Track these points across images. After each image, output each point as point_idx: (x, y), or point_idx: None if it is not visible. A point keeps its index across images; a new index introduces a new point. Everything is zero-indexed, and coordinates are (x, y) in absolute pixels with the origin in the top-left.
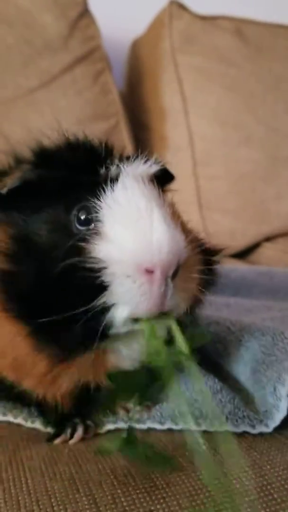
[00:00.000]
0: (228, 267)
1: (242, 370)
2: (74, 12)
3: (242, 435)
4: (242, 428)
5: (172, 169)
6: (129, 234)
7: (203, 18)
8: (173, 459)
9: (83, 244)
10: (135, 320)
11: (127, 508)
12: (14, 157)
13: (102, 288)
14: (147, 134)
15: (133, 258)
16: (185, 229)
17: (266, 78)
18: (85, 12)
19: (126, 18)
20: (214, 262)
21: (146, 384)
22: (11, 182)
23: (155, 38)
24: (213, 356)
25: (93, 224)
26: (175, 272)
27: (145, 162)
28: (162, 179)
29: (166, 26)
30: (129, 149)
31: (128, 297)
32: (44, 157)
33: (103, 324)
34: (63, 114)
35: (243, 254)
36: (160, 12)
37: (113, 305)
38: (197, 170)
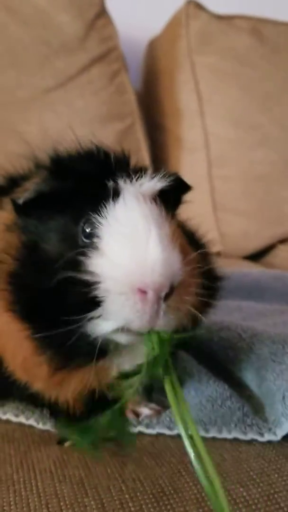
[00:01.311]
0: (241, 270)
1: (252, 377)
2: (91, 12)
3: (251, 442)
4: (250, 435)
5: (187, 170)
6: (124, 253)
7: (220, 17)
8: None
9: (82, 257)
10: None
11: None
12: (34, 162)
13: (96, 301)
14: (163, 134)
15: (127, 277)
16: (184, 250)
17: (283, 79)
18: (102, 13)
19: (143, 18)
20: (213, 287)
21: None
22: (27, 193)
23: (172, 37)
24: (223, 362)
25: (95, 230)
26: (168, 293)
27: (152, 178)
28: (178, 189)
29: (183, 26)
30: (143, 149)
31: (121, 313)
32: (59, 166)
33: (94, 336)
34: (79, 114)
35: (257, 256)
36: (177, 12)
37: (105, 318)
38: (212, 171)
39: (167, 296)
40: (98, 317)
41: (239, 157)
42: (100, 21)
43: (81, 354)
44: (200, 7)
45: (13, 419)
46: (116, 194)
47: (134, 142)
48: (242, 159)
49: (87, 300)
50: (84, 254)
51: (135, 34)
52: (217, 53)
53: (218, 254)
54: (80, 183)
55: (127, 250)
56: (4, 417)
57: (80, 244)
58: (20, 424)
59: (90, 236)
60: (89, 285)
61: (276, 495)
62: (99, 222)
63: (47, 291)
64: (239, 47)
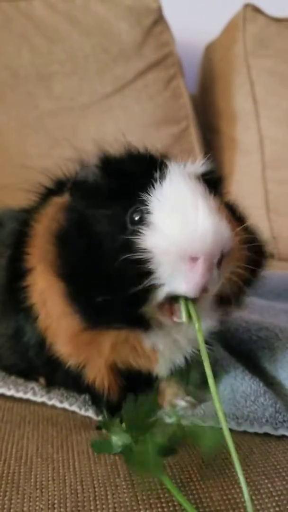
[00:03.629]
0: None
1: (286, 375)
2: (148, 19)
3: (281, 438)
4: (281, 431)
5: (241, 172)
6: (175, 223)
7: (278, 20)
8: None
9: (134, 237)
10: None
11: (161, 495)
12: (81, 165)
13: (149, 273)
14: (217, 137)
15: (178, 246)
16: (231, 221)
17: None
18: (159, 20)
19: (200, 23)
20: (260, 262)
21: None
22: (81, 173)
23: (229, 41)
24: (260, 360)
25: (144, 215)
26: (220, 260)
27: (194, 163)
28: (215, 182)
29: (240, 30)
30: (197, 152)
31: (174, 281)
32: (107, 163)
33: (145, 302)
34: (135, 118)
35: None
36: (235, 16)
37: (159, 286)
38: (266, 174)
39: (218, 263)
40: (151, 286)
41: None
42: (157, 28)
43: (116, 315)
44: (257, 10)
45: (58, 404)
46: (162, 177)
47: (188, 144)
48: None
49: (143, 274)
50: (133, 234)
51: (193, 39)
52: (274, 56)
53: (272, 256)
54: (128, 178)
55: (177, 221)
56: (50, 403)
57: (129, 228)
58: (64, 410)
59: (139, 223)
60: (143, 262)
61: None
62: (149, 200)
63: (103, 272)
64: None
